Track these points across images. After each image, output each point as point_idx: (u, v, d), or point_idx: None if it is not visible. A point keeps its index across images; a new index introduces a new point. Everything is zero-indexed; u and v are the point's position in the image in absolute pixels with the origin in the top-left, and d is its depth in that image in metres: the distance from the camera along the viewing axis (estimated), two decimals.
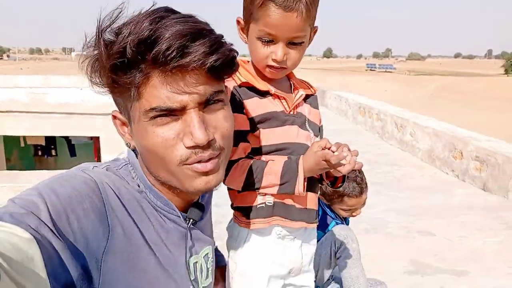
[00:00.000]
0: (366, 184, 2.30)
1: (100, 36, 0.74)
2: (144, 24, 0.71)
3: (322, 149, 1.07)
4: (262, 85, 1.17)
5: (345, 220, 2.39)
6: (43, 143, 14.70)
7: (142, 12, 0.75)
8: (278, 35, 1.09)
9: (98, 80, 0.79)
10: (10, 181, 4.03)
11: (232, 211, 1.26)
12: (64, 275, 0.67)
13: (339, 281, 2.25)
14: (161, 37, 0.71)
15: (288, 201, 1.19)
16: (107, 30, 0.74)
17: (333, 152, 1.04)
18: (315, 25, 1.15)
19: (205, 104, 0.79)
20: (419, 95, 32.93)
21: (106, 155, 10.39)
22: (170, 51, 0.71)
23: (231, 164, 1.11)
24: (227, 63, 0.77)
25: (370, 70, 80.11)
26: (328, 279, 2.30)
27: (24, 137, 13.94)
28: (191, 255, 0.93)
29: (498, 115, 21.85)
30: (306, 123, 1.25)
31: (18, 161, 14.80)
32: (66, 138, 14.33)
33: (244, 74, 1.18)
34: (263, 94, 1.18)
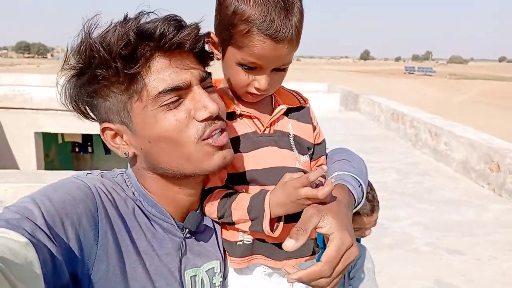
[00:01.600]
0: (378, 202, 2.17)
1: (91, 39, 0.76)
2: (131, 21, 0.77)
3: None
4: (228, 106, 1.04)
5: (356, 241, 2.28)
6: (80, 140, 15.16)
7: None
8: (264, 65, 0.97)
9: (85, 91, 0.80)
10: (36, 180, 4.13)
11: None
12: (54, 280, 0.67)
13: None
14: (158, 21, 0.77)
15: (269, 239, 1.03)
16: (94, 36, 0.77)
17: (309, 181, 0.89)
18: None
19: (203, 86, 0.84)
20: (460, 100, 31.84)
21: None
22: (171, 30, 0.77)
23: (207, 193, 1.02)
24: (210, 51, 0.91)
25: (409, 73, 78.25)
26: None
27: (62, 134, 14.42)
28: (187, 268, 0.91)
29: None
30: (291, 141, 1.09)
31: (56, 157, 15.34)
32: None
33: None
34: (230, 115, 1.05)
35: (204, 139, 0.82)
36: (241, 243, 1.05)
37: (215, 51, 1.04)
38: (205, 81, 0.85)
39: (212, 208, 1.02)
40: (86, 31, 0.77)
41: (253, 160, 1.05)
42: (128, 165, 0.93)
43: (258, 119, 1.08)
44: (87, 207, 0.76)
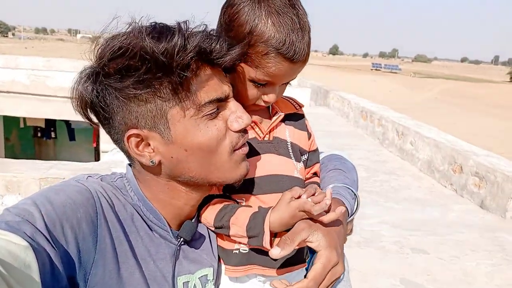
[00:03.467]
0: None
1: (146, 43, 0.75)
2: (192, 34, 0.79)
3: (297, 198, 0.93)
4: None
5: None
6: (43, 125, 14.67)
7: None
8: (276, 82, 0.99)
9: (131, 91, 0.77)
10: (1, 170, 3.97)
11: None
12: (52, 284, 0.67)
13: None
14: (213, 37, 0.81)
15: (265, 249, 1.01)
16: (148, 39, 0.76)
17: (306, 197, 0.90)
18: None
19: None
20: (423, 98, 32.81)
21: (105, 144, 10.34)
22: (224, 48, 0.82)
23: (205, 200, 1.01)
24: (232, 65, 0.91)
25: (376, 69, 79.88)
26: None
27: (24, 119, 13.92)
28: (180, 274, 0.91)
29: (500, 122, 21.76)
30: (289, 149, 1.10)
31: (17, 141, 14.81)
32: (66, 122, 14.29)
33: None
34: None
35: (235, 149, 0.87)
36: (237, 251, 1.05)
37: None
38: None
39: (209, 218, 1.01)
40: (139, 35, 0.75)
41: (253, 167, 1.04)
42: (128, 169, 0.92)
43: (257, 125, 1.08)
44: (87, 211, 0.76)
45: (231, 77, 1.04)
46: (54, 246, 0.68)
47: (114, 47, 0.75)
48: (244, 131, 0.89)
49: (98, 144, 12.33)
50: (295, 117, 1.16)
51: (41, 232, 0.67)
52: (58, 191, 0.76)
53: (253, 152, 1.04)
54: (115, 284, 0.79)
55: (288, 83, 1.04)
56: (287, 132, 1.12)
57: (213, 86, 0.82)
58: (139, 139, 0.82)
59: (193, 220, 0.97)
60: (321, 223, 0.92)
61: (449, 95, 36.12)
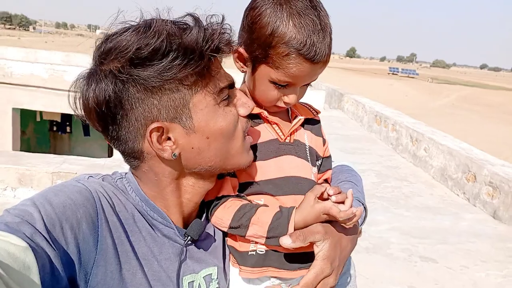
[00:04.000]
0: None
1: (177, 31, 0.78)
2: (214, 25, 0.83)
3: (320, 197, 0.94)
4: (256, 108, 1.05)
5: None
6: (59, 120, 14.87)
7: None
8: (297, 83, 1.00)
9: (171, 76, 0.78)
10: (14, 162, 4.04)
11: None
12: (52, 285, 0.67)
13: None
14: (225, 29, 0.84)
15: (283, 249, 1.03)
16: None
17: (333, 201, 0.92)
18: None
19: None
20: (440, 104, 32.41)
21: None
22: (231, 39, 0.85)
23: (219, 200, 1.02)
24: None
25: (393, 74, 79.17)
26: None
27: (41, 112, 14.11)
28: (185, 273, 0.91)
29: None
30: (307, 153, 1.11)
31: (33, 134, 15.02)
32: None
33: None
34: (256, 120, 1.07)
35: (246, 135, 0.92)
36: (253, 253, 1.05)
37: (241, 64, 1.06)
38: None
39: (225, 217, 1.01)
40: (164, 24, 0.77)
41: (273, 168, 1.05)
42: (129, 169, 0.91)
43: (279, 127, 1.09)
44: (87, 211, 0.76)
45: (251, 79, 1.05)
46: (54, 247, 0.68)
47: (142, 37, 0.75)
48: (248, 117, 0.93)
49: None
50: (312, 122, 1.17)
51: (41, 233, 0.67)
52: (58, 192, 0.76)
53: (274, 153, 1.06)
54: (116, 285, 0.79)
55: (308, 84, 1.04)
56: (305, 136, 1.13)
57: (223, 73, 0.86)
58: (159, 133, 0.81)
59: (202, 219, 0.97)
60: (338, 227, 0.96)
61: (466, 101, 35.62)
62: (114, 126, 0.81)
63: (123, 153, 0.86)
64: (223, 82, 0.85)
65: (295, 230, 0.97)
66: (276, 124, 1.09)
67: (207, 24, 0.81)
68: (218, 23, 0.82)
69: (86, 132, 14.82)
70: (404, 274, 3.56)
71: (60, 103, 11.59)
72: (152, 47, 0.74)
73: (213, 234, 1.02)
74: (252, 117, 1.05)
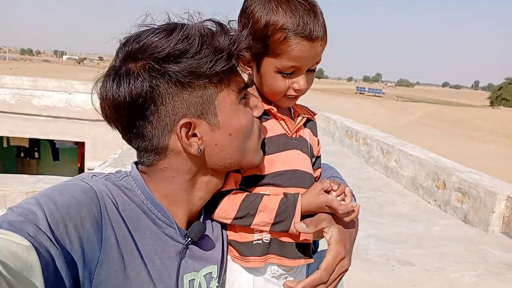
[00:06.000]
0: None
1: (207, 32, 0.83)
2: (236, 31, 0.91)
3: (325, 190, 1.01)
4: (265, 105, 1.10)
5: (314, 244, 2.36)
6: (27, 145, 14.47)
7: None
8: (302, 66, 1.04)
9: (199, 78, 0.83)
10: None
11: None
12: (56, 284, 0.67)
13: None
14: (238, 37, 0.89)
15: (286, 239, 1.10)
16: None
17: (335, 196, 1.00)
18: None
19: None
20: (406, 121, 33.35)
21: (90, 162, 10.25)
22: (250, 43, 0.92)
23: (221, 195, 1.06)
24: None
25: (360, 93, 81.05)
26: None
27: (8, 138, 13.71)
28: (186, 272, 0.92)
29: (481, 146, 22.21)
30: (308, 148, 1.17)
31: None
32: (51, 142, 14.13)
33: None
34: (265, 117, 1.11)
35: (260, 134, 0.97)
36: (259, 242, 1.09)
37: (245, 67, 1.09)
38: None
39: (229, 209, 1.05)
40: (196, 25, 0.83)
41: (281, 162, 1.10)
42: (133, 167, 0.92)
43: (286, 123, 1.14)
44: (91, 211, 0.76)
45: (258, 77, 1.11)
46: (58, 246, 0.68)
47: (175, 37, 0.80)
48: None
49: (82, 164, 12.21)
50: (310, 122, 1.24)
51: (44, 232, 0.67)
52: (62, 191, 0.76)
53: (282, 146, 1.11)
54: (121, 284, 0.79)
55: (313, 70, 1.09)
56: (307, 134, 1.20)
57: (240, 74, 0.92)
58: (187, 129, 0.84)
59: (201, 220, 0.98)
60: (340, 220, 1.03)
61: (431, 118, 36.79)
62: (141, 122, 0.83)
63: (144, 149, 0.87)
64: (243, 82, 0.92)
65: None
66: (284, 120, 1.14)
67: (230, 28, 0.88)
68: (238, 28, 0.92)
69: (56, 157, 14.46)
70: (383, 278, 3.64)
71: (28, 128, 11.34)
72: (186, 44, 0.79)
73: (212, 233, 1.03)
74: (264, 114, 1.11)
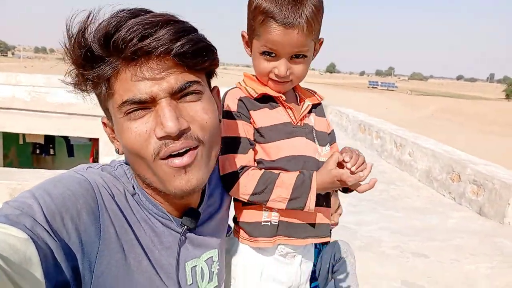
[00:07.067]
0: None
1: (71, 37, 0.74)
2: (111, 19, 0.72)
3: (337, 164, 1.08)
4: (274, 92, 1.17)
5: None
6: (42, 142, 14.68)
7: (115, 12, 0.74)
8: (279, 51, 1.09)
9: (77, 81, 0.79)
10: (5, 178, 4.01)
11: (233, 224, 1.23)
12: (56, 276, 0.66)
13: None
14: (123, 26, 0.71)
15: (294, 220, 1.16)
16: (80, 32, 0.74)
17: (349, 168, 1.05)
18: (320, 37, 1.14)
19: (180, 96, 0.77)
20: (420, 115, 33.00)
21: (104, 157, 10.37)
22: (129, 36, 0.70)
23: (236, 174, 1.10)
24: (197, 51, 0.75)
25: (373, 87, 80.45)
26: None
27: (24, 135, 13.94)
28: (187, 259, 0.92)
29: (497, 139, 21.88)
30: (314, 134, 1.22)
31: (15, 157, 14.77)
32: (66, 138, 14.31)
33: (255, 87, 1.18)
34: (273, 104, 1.18)
35: (162, 159, 0.76)
36: (268, 223, 1.15)
37: (247, 49, 1.20)
38: (184, 90, 0.77)
39: (249, 184, 1.10)
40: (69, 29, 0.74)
41: (286, 148, 1.16)
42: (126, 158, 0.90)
43: (292, 111, 1.20)
44: (87, 202, 0.75)
45: (252, 59, 1.16)
46: (55, 238, 0.67)
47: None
48: (176, 138, 0.75)
49: (95, 160, 12.35)
50: (316, 105, 1.29)
51: (41, 225, 0.66)
52: (57, 183, 0.75)
53: (288, 134, 1.17)
54: (123, 273, 0.79)
55: (300, 58, 1.12)
56: (312, 120, 1.25)
57: (134, 85, 0.73)
58: (105, 127, 0.87)
59: (200, 208, 0.96)
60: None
61: (446, 112, 36.36)
62: None
63: None
64: (126, 96, 0.74)
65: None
66: (290, 108, 1.19)
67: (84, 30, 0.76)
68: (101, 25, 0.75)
69: (71, 153, 14.64)
70: (397, 270, 3.62)
71: (43, 125, 11.50)
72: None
73: (209, 217, 1.02)
74: (270, 100, 1.18)
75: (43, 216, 0.67)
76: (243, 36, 1.19)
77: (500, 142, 20.40)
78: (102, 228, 0.76)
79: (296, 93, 1.27)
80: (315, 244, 1.94)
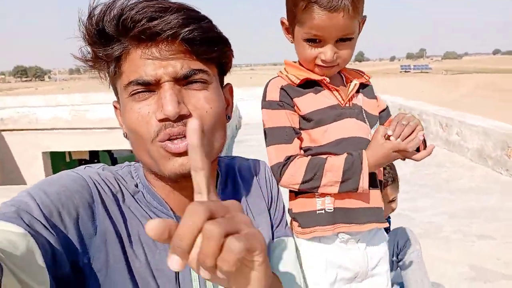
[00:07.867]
0: (392, 178, 1.96)
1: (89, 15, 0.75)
2: (126, 1, 0.73)
3: (387, 138, 1.03)
4: (317, 76, 1.13)
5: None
6: (87, 158, 15.20)
7: None
8: (325, 36, 1.05)
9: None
10: None
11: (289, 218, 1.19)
12: (55, 270, 0.66)
13: (400, 286, 2.14)
14: (134, 8, 0.72)
15: (350, 204, 1.12)
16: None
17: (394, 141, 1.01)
18: (363, 15, 1.10)
19: (186, 83, 0.76)
20: (459, 95, 31.90)
21: None
22: (139, 16, 0.71)
23: (284, 164, 1.08)
24: (206, 39, 0.75)
25: (405, 71, 78.47)
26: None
27: (70, 153, 14.47)
28: None
29: None
30: (364, 115, 1.18)
31: None
32: (109, 152, 14.76)
33: (297, 73, 1.14)
34: (318, 88, 1.14)
35: (159, 141, 0.76)
36: (322, 211, 1.11)
37: (287, 36, 1.16)
38: (190, 78, 0.76)
39: (297, 173, 1.07)
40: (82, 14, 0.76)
41: (335, 131, 1.12)
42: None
43: (339, 93, 1.15)
44: (83, 197, 0.75)
45: (295, 46, 1.12)
46: (53, 232, 0.67)
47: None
48: (175, 121, 0.75)
49: None
50: (364, 86, 1.24)
51: (39, 220, 0.66)
52: (52, 182, 0.75)
53: (337, 116, 1.12)
54: (121, 269, 0.77)
55: (347, 42, 1.08)
56: (361, 100, 1.20)
57: (141, 66, 0.74)
58: (115, 109, 0.87)
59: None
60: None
61: (485, 89, 34.97)
62: None
63: None
64: (132, 76, 0.75)
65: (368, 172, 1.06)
66: (337, 90, 1.14)
67: (106, 8, 0.77)
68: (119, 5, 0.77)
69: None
70: (464, 254, 3.46)
71: (86, 141, 11.90)
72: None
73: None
74: (314, 85, 1.13)
75: (40, 212, 0.67)
76: (282, 22, 1.15)
77: None
78: (98, 224, 0.76)
79: (342, 74, 1.23)
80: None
